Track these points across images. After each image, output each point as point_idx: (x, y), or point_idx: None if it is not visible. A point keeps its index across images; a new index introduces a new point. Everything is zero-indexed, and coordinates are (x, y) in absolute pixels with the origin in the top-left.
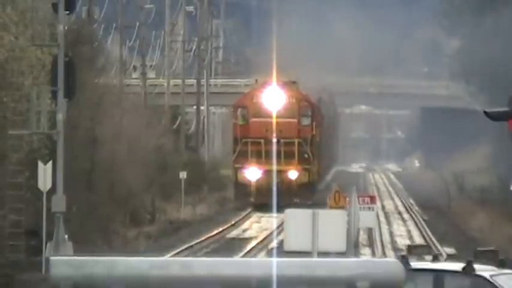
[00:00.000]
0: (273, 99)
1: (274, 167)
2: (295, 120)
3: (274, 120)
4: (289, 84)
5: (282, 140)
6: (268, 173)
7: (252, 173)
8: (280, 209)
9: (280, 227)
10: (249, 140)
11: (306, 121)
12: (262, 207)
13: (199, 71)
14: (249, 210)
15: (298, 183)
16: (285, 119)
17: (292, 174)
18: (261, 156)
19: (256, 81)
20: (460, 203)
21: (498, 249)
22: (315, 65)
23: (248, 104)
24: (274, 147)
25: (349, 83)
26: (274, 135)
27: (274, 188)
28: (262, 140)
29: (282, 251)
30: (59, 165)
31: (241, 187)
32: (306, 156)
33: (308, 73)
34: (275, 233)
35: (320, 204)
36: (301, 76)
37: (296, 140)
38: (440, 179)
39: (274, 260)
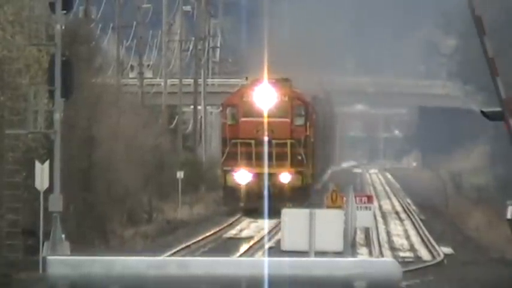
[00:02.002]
0: (264, 97)
1: (266, 170)
2: (288, 119)
3: (265, 120)
4: (282, 81)
5: (273, 141)
6: (259, 176)
7: (242, 176)
8: (272, 215)
9: (277, 227)
10: (238, 141)
11: (299, 121)
12: (253, 212)
13: (197, 70)
14: (239, 215)
15: (291, 187)
16: (277, 119)
17: (285, 177)
18: (252, 158)
19: (247, 78)
20: (457, 202)
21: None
22: (312, 64)
23: (238, 103)
24: (266, 149)
25: (346, 82)
26: (266, 135)
27: (266, 192)
28: (252, 141)
29: (279, 251)
30: (56, 165)
31: (231, 191)
32: (300, 158)
33: (304, 72)
34: (272, 233)
35: (317, 203)
36: (297, 75)
37: (289, 141)
38: (438, 178)
39: (271, 259)
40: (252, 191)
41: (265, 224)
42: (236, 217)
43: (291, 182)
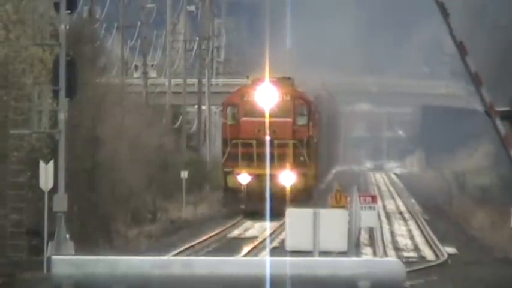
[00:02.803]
0: (266, 96)
1: (268, 171)
2: (290, 119)
3: (267, 120)
4: (284, 80)
5: (275, 142)
6: (260, 177)
7: (243, 178)
8: (273, 217)
9: (281, 227)
10: (239, 142)
11: (301, 121)
12: (254, 214)
13: (201, 70)
14: (239, 218)
15: (292, 188)
16: (278, 119)
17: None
18: (253, 159)
19: (248, 77)
20: (461, 202)
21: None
22: (316, 64)
23: (238, 102)
24: (267, 149)
25: (350, 82)
26: (267, 136)
27: (268, 194)
28: (253, 141)
29: (283, 251)
30: (60, 165)
31: (231, 193)
32: (302, 159)
33: (308, 72)
34: (276, 233)
35: (321, 203)
36: (300, 74)
37: (291, 142)
38: (441, 178)
39: (275, 259)
40: (253, 192)
41: (267, 225)
42: (240, 217)
43: (293, 184)
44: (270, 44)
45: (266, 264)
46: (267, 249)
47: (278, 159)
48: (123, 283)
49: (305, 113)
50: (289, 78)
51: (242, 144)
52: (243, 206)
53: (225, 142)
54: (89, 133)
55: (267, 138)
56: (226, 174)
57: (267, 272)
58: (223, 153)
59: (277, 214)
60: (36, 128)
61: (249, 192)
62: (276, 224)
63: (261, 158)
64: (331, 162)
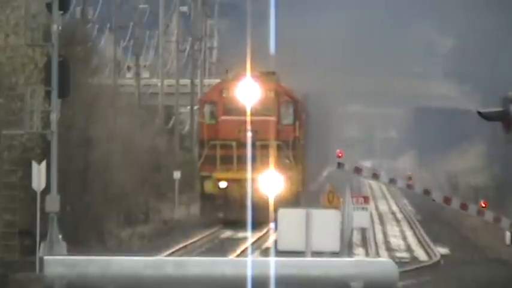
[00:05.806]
0: (247, 93)
1: (249, 176)
2: (274, 118)
3: (248, 119)
4: (267, 75)
5: (257, 143)
6: (240, 182)
7: (222, 183)
8: (255, 227)
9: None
10: (217, 143)
11: (287, 120)
12: (233, 224)
13: (193, 71)
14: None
15: (276, 195)
16: (261, 117)
17: (270, 184)
18: (233, 162)
19: (227, 71)
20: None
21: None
22: (306, 64)
23: (217, 99)
24: (249, 152)
25: (342, 82)
26: (249, 136)
27: (249, 201)
28: (233, 143)
29: (276, 251)
30: (53, 165)
31: (209, 200)
32: (287, 161)
33: (298, 70)
34: (269, 233)
35: (314, 204)
36: (290, 73)
37: (275, 143)
38: (434, 179)
39: (268, 259)
40: (233, 199)
41: (249, 233)
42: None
43: (277, 190)
44: (260, 44)
45: (258, 264)
46: (259, 250)
47: (261, 162)
48: (115, 283)
49: (291, 111)
50: (273, 73)
51: (221, 145)
52: (221, 215)
53: (201, 143)
54: (82, 134)
55: (249, 137)
56: (203, 179)
57: (260, 272)
58: (200, 156)
59: (259, 224)
60: (28, 128)
61: (228, 198)
62: (258, 233)
63: (241, 161)
64: (323, 164)
